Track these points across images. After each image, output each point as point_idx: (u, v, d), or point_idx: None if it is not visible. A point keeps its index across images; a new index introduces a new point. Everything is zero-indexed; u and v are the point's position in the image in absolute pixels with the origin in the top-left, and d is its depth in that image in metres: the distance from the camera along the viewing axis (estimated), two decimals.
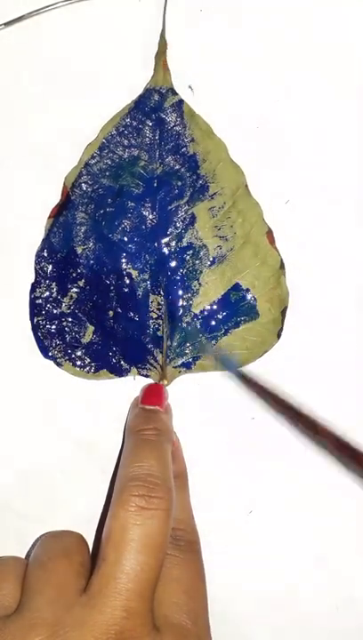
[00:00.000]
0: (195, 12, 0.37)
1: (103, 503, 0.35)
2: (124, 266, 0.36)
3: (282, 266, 0.35)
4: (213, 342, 0.36)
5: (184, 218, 0.36)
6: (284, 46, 0.37)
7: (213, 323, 0.36)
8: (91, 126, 0.36)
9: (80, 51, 0.37)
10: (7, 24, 0.36)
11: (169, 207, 0.36)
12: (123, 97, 0.36)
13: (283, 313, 0.35)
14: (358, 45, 0.37)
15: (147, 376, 0.36)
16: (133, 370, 0.36)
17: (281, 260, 0.35)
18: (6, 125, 0.36)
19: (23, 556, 0.34)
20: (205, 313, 0.36)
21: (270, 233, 0.36)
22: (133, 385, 0.36)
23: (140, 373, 0.36)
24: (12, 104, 0.36)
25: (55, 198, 0.36)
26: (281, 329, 0.35)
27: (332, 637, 0.35)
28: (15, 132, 0.36)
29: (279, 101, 0.36)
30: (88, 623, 0.27)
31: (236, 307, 0.35)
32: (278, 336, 0.35)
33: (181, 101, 0.36)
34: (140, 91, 0.36)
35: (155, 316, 0.36)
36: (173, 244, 0.36)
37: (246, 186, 0.36)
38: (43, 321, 0.35)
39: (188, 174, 0.36)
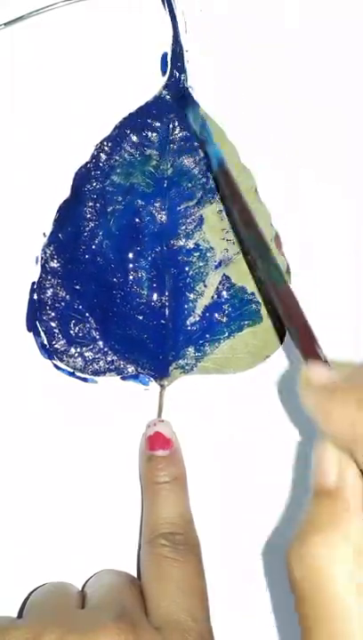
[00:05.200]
0: (195, 12, 0.37)
1: (102, 506, 0.35)
2: (130, 264, 0.35)
3: (288, 271, 0.36)
4: (216, 345, 0.36)
5: (193, 219, 0.36)
6: (285, 46, 0.37)
7: (217, 325, 0.36)
8: (92, 125, 0.35)
9: (80, 51, 0.36)
10: (7, 24, 0.36)
11: (178, 208, 0.36)
12: (124, 96, 0.36)
13: None
14: (361, 45, 0.37)
15: (148, 376, 0.36)
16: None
17: (287, 265, 0.36)
18: (6, 124, 0.36)
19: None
20: (209, 315, 0.36)
21: (277, 237, 0.36)
22: (134, 384, 0.36)
23: (141, 373, 0.36)
24: (12, 103, 0.36)
25: (64, 194, 0.36)
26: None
27: None
28: (14, 130, 0.36)
29: (281, 102, 0.37)
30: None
31: (240, 310, 0.36)
32: (281, 341, 0.36)
33: (195, 104, 0.36)
34: (143, 89, 0.36)
35: (159, 316, 0.36)
36: (181, 244, 0.36)
37: (256, 190, 0.36)
38: (45, 317, 0.35)
39: (199, 176, 0.36)
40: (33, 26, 0.36)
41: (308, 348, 0.28)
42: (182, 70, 0.36)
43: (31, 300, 0.36)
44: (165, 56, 0.36)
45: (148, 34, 0.36)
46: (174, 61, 0.36)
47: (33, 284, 0.36)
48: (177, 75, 0.36)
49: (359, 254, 0.37)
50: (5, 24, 0.36)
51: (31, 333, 0.36)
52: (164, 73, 0.36)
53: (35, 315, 0.35)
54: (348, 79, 0.37)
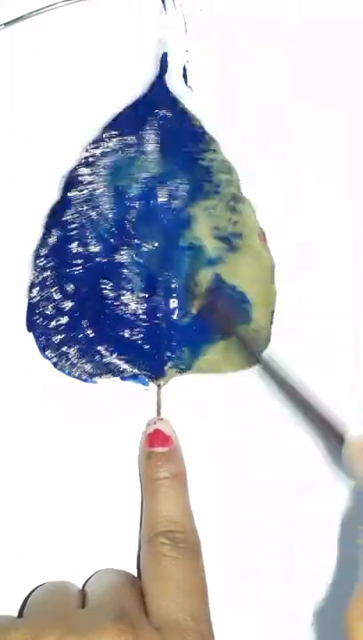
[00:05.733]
0: (195, 12, 0.37)
1: (103, 505, 0.35)
2: (121, 266, 0.36)
3: (272, 267, 0.36)
4: (211, 344, 0.36)
5: (182, 218, 0.36)
6: (285, 46, 0.37)
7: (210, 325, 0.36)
8: (91, 126, 0.36)
9: (80, 51, 0.36)
10: (7, 24, 0.36)
11: (167, 207, 0.36)
12: (123, 96, 0.36)
13: (271, 315, 0.36)
14: (361, 45, 0.37)
15: (145, 376, 0.36)
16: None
17: (272, 260, 0.36)
18: (6, 124, 0.36)
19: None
20: (203, 314, 0.36)
21: (261, 234, 0.36)
22: (133, 384, 0.36)
23: (137, 374, 0.36)
24: (12, 103, 0.36)
25: (54, 197, 0.36)
26: (269, 332, 0.36)
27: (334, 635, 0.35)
28: (14, 131, 0.36)
29: (281, 102, 0.37)
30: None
31: None
32: (268, 339, 0.36)
33: (174, 100, 0.36)
34: (140, 90, 0.36)
35: (152, 316, 0.36)
36: (172, 244, 0.36)
37: (239, 185, 0.36)
38: (40, 321, 0.35)
39: (185, 174, 0.36)
40: (33, 26, 0.36)
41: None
42: (163, 68, 0.36)
43: (29, 301, 0.36)
44: (164, 56, 0.36)
45: (147, 34, 0.36)
46: (160, 60, 0.36)
47: (30, 284, 0.36)
48: (163, 74, 0.36)
49: (359, 254, 0.37)
50: (5, 24, 0.36)
51: (31, 333, 0.36)
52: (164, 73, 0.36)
53: (32, 316, 0.36)
54: (348, 79, 0.37)
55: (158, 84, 0.36)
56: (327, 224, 0.37)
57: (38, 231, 0.36)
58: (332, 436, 0.32)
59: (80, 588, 0.34)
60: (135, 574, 0.34)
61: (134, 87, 0.36)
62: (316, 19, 0.37)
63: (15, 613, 0.34)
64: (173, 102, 0.36)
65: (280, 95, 0.37)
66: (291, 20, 0.37)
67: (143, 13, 0.36)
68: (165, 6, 0.36)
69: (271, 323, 0.36)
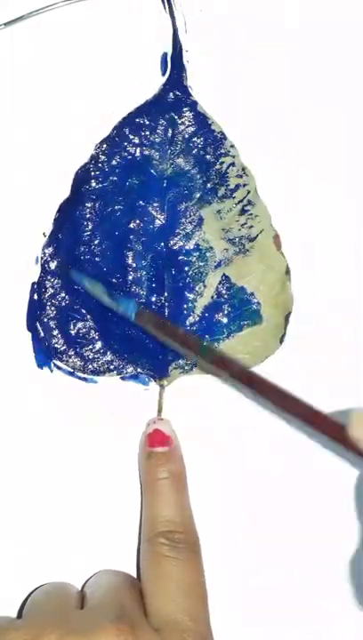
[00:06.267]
0: (195, 12, 0.37)
1: (102, 505, 0.35)
2: (129, 265, 0.36)
3: (288, 271, 0.36)
4: (216, 345, 0.36)
5: (192, 219, 0.36)
6: (285, 46, 0.37)
7: (216, 325, 0.36)
8: (90, 126, 0.36)
9: (80, 51, 0.36)
10: (7, 24, 0.36)
11: (178, 208, 0.36)
12: (122, 96, 0.36)
13: (286, 318, 0.36)
14: (361, 45, 0.37)
15: (148, 376, 0.36)
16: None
17: (287, 265, 0.36)
18: (6, 124, 0.36)
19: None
20: (208, 315, 0.36)
21: (277, 237, 0.36)
22: (134, 384, 0.36)
23: (141, 373, 0.36)
24: (12, 103, 0.36)
25: (64, 194, 0.36)
26: (284, 334, 0.36)
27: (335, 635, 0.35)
28: (14, 131, 0.36)
29: (281, 102, 0.37)
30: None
31: (239, 310, 0.36)
32: (281, 341, 0.36)
33: (195, 102, 0.36)
34: (143, 89, 0.36)
35: None
36: (180, 244, 0.36)
37: (256, 190, 0.36)
38: (45, 317, 0.35)
39: (198, 176, 0.36)
40: (33, 26, 0.36)
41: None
42: (182, 69, 0.36)
43: (31, 300, 0.36)
44: (164, 56, 0.36)
45: (148, 34, 0.36)
46: (174, 60, 0.36)
47: (33, 284, 0.36)
48: (177, 73, 0.36)
49: (359, 254, 0.37)
50: (5, 24, 0.36)
51: (31, 333, 0.36)
52: (164, 73, 0.36)
53: (35, 315, 0.36)
54: (348, 79, 0.37)
55: (177, 86, 0.36)
56: (327, 224, 0.37)
57: (40, 230, 0.36)
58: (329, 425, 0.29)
59: (79, 588, 0.34)
60: (135, 574, 0.34)
61: (134, 87, 0.36)
62: (316, 19, 0.37)
63: (15, 614, 0.34)
64: (193, 104, 0.36)
65: (280, 95, 0.37)
66: (291, 20, 0.37)
67: (143, 13, 0.36)
68: (165, 6, 0.36)
69: (286, 326, 0.36)
